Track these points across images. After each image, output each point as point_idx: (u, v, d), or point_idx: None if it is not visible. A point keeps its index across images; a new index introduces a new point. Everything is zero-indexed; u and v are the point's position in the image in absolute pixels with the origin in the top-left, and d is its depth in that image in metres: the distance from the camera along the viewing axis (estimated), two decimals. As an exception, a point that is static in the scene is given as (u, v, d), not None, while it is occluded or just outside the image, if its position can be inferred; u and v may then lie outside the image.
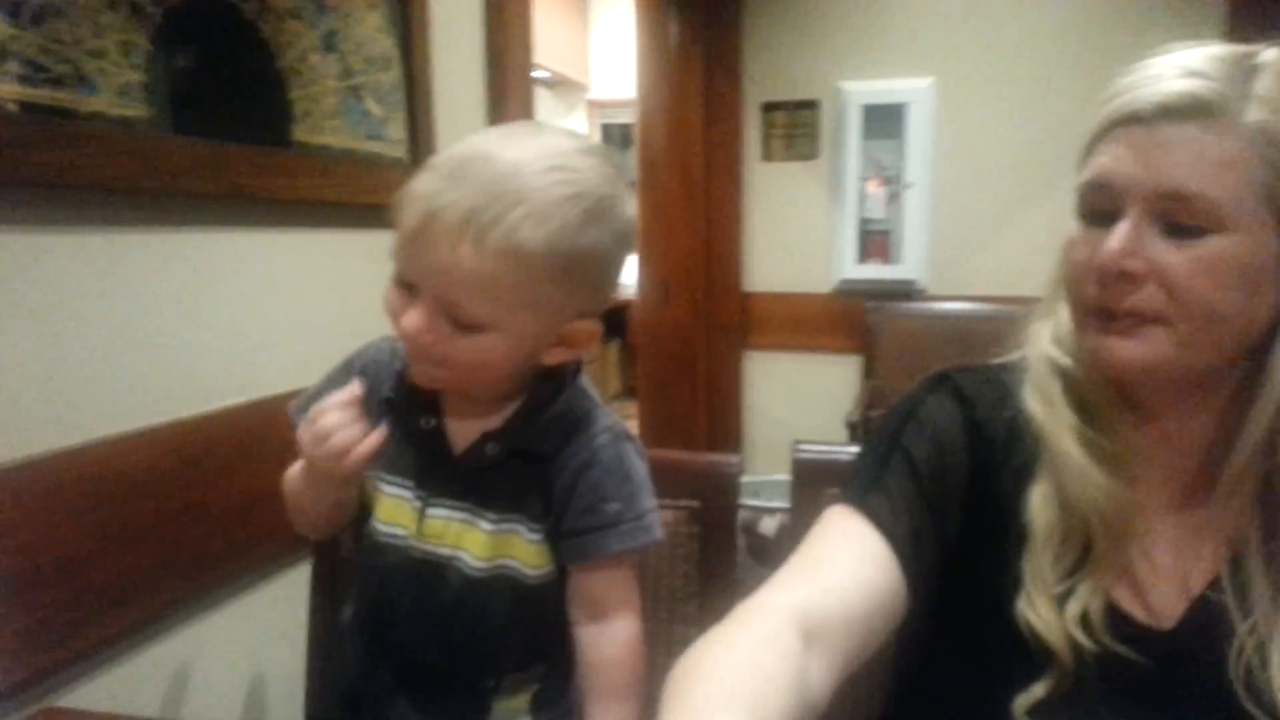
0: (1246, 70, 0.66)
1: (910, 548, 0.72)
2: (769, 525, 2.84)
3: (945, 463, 0.77)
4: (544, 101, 5.70)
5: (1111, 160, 0.68)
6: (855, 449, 0.95)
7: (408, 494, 0.83)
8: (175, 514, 1.07)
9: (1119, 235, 0.67)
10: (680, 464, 1.10)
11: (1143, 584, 0.74)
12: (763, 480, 3.13)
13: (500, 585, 0.82)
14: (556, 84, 6.05)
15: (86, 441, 0.97)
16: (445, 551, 0.82)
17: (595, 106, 7.26)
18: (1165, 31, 2.72)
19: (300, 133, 1.27)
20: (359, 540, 0.90)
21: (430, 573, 0.82)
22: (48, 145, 0.90)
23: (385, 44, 1.45)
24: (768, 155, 3.35)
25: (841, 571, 0.69)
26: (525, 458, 0.82)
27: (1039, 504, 0.74)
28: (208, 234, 1.13)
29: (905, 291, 3.20)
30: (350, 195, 1.37)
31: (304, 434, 0.78)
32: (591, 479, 0.81)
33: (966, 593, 0.77)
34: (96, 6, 0.96)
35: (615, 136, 7.32)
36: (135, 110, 1.01)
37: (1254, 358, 0.70)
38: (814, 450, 1.09)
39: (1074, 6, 2.92)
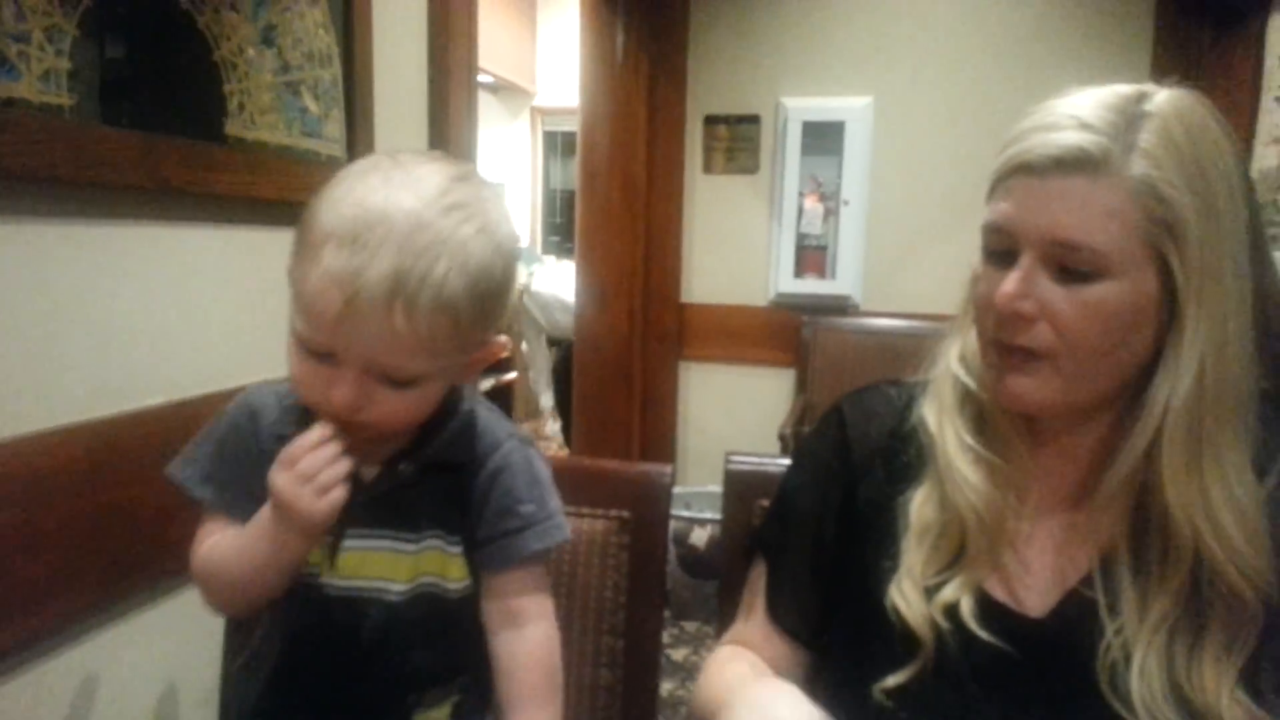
0: (1133, 120, 0.71)
1: (794, 622, 0.88)
2: (700, 537, 2.86)
3: (824, 489, 0.89)
4: (487, 106, 5.66)
5: (1008, 207, 0.74)
6: (786, 461, 0.98)
7: None
8: (87, 516, 1.03)
9: (1013, 280, 0.73)
10: (612, 473, 1.11)
11: (1016, 578, 0.79)
12: (695, 491, 3.15)
13: (422, 606, 0.80)
14: (501, 89, 6.02)
15: (14, 435, 0.93)
16: (363, 584, 0.80)
17: (539, 113, 7.24)
18: (1097, 53, 2.83)
19: (234, 127, 1.24)
20: None
21: (346, 609, 0.79)
22: (-37, 131, 0.87)
23: (325, 40, 1.42)
24: (709, 168, 3.38)
25: (757, 633, 0.89)
26: (439, 470, 0.81)
27: (920, 503, 0.81)
28: (133, 228, 1.10)
29: (840, 306, 3.26)
30: (284, 193, 1.33)
31: (280, 479, 0.72)
32: (504, 484, 0.82)
33: (847, 586, 0.85)
34: (19, -12, 0.93)
35: (557, 145, 7.32)
36: (60, 98, 0.98)
37: (1136, 385, 0.75)
38: (746, 461, 1.10)
39: (1009, 30, 3.01)
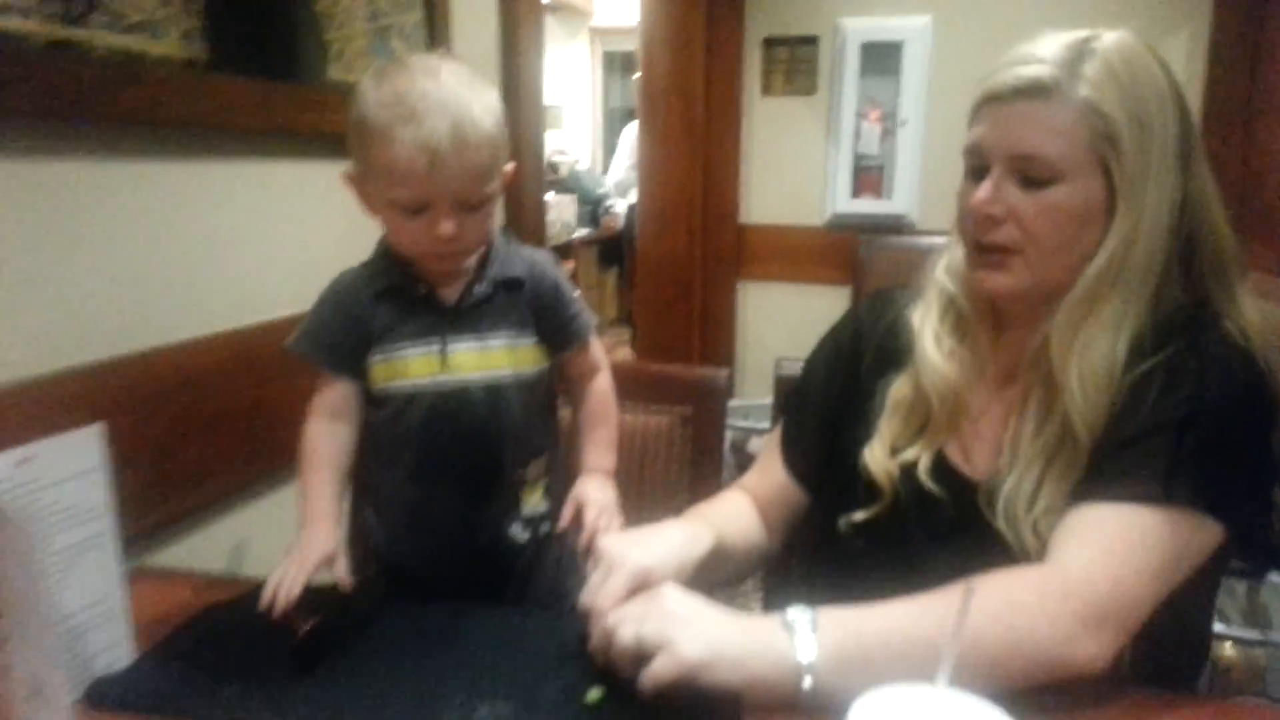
0: (1080, 54, 0.85)
1: (809, 477, 1.08)
2: (756, 445, 3.02)
3: (835, 365, 1.09)
4: (546, 28, 5.70)
5: (981, 130, 0.90)
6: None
7: (427, 346, 1.01)
8: (232, 411, 1.23)
9: (985, 188, 0.88)
10: (675, 376, 1.26)
11: (969, 445, 0.97)
12: (752, 404, 3.30)
13: (512, 386, 1.03)
14: (559, 8, 6.04)
15: (161, 345, 1.12)
16: (469, 375, 1.02)
17: (597, 34, 7.23)
18: None
19: (335, 71, 1.39)
20: (377, 417, 1.04)
21: (461, 396, 1.01)
22: (132, 86, 1.03)
23: (410, -14, 1.55)
24: (767, 89, 3.43)
25: (768, 487, 1.10)
26: (506, 286, 1.03)
27: (899, 383, 0.99)
28: (259, 164, 1.27)
29: (896, 226, 3.32)
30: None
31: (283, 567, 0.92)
32: (554, 287, 1.06)
33: (834, 444, 1.05)
34: (164, -41, 1.08)
35: (617, 63, 7.33)
36: (197, 53, 1.13)
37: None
38: (795, 366, 1.24)
39: (1070, -52, 2.98)
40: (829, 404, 1.07)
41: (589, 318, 1.09)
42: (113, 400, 1.03)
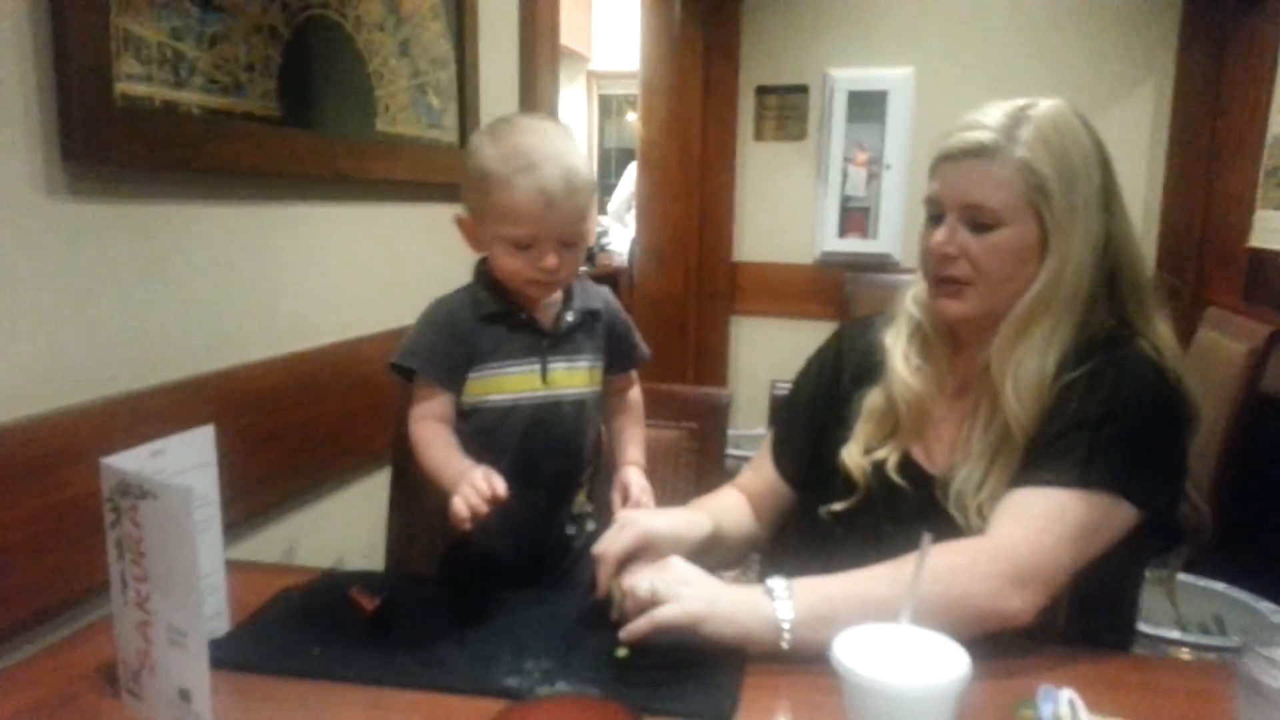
0: (1018, 121, 1.03)
1: (797, 477, 1.24)
2: (750, 470, 3.17)
3: (822, 375, 1.26)
4: (547, 72, 5.91)
5: (938, 185, 1.08)
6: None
7: (529, 365, 1.17)
8: (291, 426, 1.39)
9: (941, 232, 1.06)
10: (682, 394, 1.43)
11: (932, 446, 1.13)
12: (745, 434, 3.45)
13: (590, 402, 1.21)
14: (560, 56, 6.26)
15: (235, 365, 1.28)
16: (562, 391, 1.18)
17: (594, 77, 7.48)
18: (1128, 24, 3.10)
19: (382, 124, 1.56)
20: (468, 426, 1.16)
21: (555, 409, 1.18)
22: (219, 140, 1.20)
23: (445, 47, 1.74)
24: (760, 135, 3.64)
25: (759, 485, 1.27)
26: (589, 315, 1.21)
27: (874, 395, 1.16)
28: (318, 207, 1.44)
29: (881, 264, 3.52)
30: (415, 174, 1.67)
31: (462, 488, 1.02)
32: (621, 318, 1.26)
33: (817, 447, 1.21)
34: (249, 29, 1.25)
35: (611, 106, 7.57)
36: (272, 110, 1.31)
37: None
38: (788, 386, 1.41)
39: (1042, 5, 3.21)
40: (814, 413, 1.24)
41: (645, 348, 1.28)
42: (183, 413, 1.18)
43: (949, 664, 0.74)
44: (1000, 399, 1.03)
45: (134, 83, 1.07)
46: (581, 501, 1.24)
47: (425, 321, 1.18)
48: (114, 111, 1.04)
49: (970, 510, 1.02)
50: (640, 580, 0.95)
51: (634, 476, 1.22)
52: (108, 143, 1.04)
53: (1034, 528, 0.94)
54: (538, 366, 1.17)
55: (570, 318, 1.19)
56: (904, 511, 1.09)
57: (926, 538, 0.78)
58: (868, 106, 3.46)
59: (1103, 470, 0.96)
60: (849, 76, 3.48)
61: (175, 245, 1.19)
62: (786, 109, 3.61)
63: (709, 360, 3.78)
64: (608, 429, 1.28)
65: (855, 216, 3.57)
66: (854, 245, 3.54)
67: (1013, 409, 1.01)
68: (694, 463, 1.39)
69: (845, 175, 3.55)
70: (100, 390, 1.10)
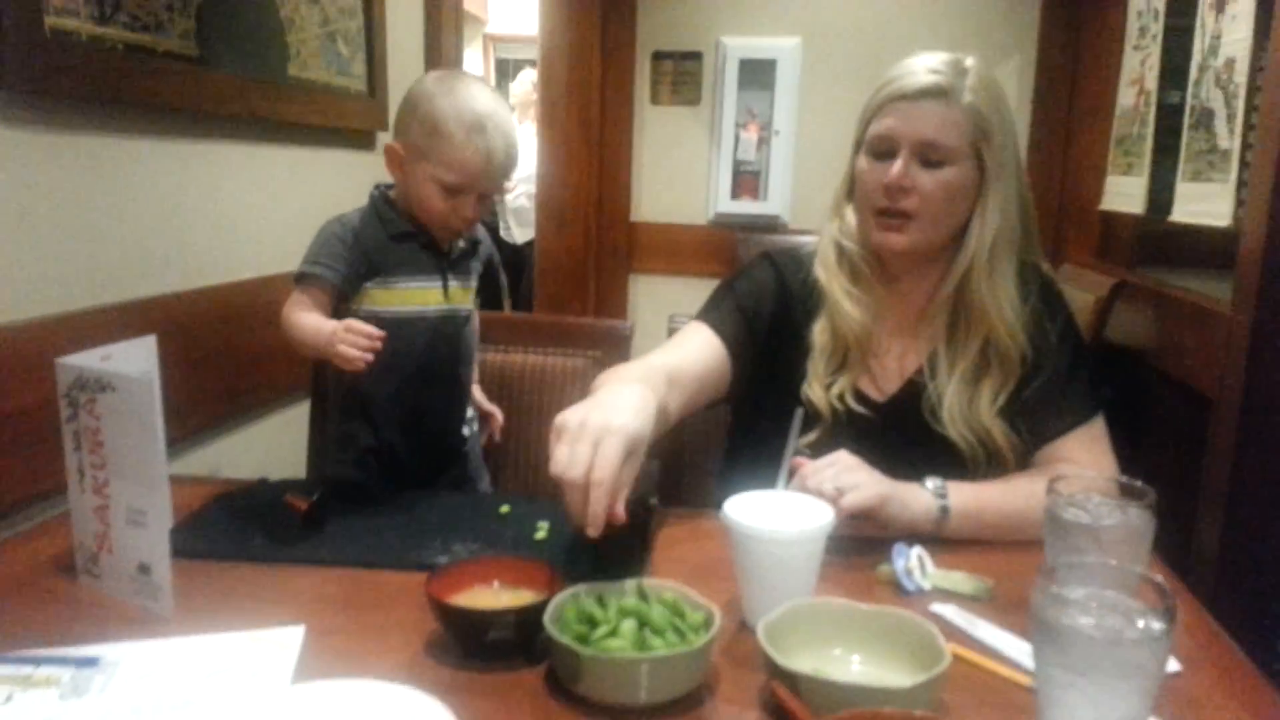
0: (961, 71, 1.16)
1: (734, 344, 1.25)
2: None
3: (761, 303, 1.29)
4: (444, 34, 5.87)
5: (892, 122, 1.17)
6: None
7: (432, 281, 1.31)
8: (210, 357, 1.45)
9: (897, 166, 1.16)
10: (588, 325, 1.56)
11: (877, 376, 1.26)
12: (644, 385, 3.60)
13: (472, 315, 1.38)
14: (456, 18, 6.21)
15: (166, 293, 1.34)
16: (457, 306, 1.34)
17: (491, 40, 7.44)
18: (996, 3, 3.33)
19: (294, 69, 1.62)
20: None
21: (454, 321, 1.33)
22: (143, 75, 1.25)
23: (353, -2, 1.79)
24: (656, 99, 3.76)
25: (692, 349, 1.23)
26: (473, 244, 1.38)
27: (819, 331, 1.25)
28: (239, 147, 1.49)
29: (770, 225, 3.69)
30: (325, 120, 1.73)
31: (341, 337, 1.14)
32: (493, 259, 1.44)
33: (772, 385, 1.27)
34: (169, -29, 1.30)
35: (509, 70, 7.56)
36: (191, 49, 1.36)
37: (954, 244, 1.21)
38: (685, 320, 1.55)
39: (918, -16, 3.43)
40: (757, 313, 1.27)
41: (504, 280, 1.50)
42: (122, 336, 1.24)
43: (816, 519, 0.89)
44: (988, 324, 1.18)
45: (63, 16, 1.12)
46: (476, 454, 1.41)
47: (328, 235, 1.28)
48: (45, 43, 1.09)
49: (959, 423, 1.18)
50: (823, 481, 1.01)
51: (481, 395, 1.45)
52: (40, 73, 1.09)
53: (1106, 459, 1.19)
54: (439, 283, 1.31)
55: (461, 244, 1.35)
56: (861, 434, 1.17)
57: (799, 412, 0.93)
58: (758, 74, 3.61)
59: (1094, 394, 1.22)
60: (740, 44, 3.62)
61: (105, 175, 1.24)
62: (681, 74, 3.73)
63: (609, 317, 3.89)
64: None
65: (747, 179, 3.73)
66: (746, 207, 3.71)
67: (1007, 322, 1.17)
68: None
69: (737, 140, 3.70)
70: (44, 310, 1.15)
